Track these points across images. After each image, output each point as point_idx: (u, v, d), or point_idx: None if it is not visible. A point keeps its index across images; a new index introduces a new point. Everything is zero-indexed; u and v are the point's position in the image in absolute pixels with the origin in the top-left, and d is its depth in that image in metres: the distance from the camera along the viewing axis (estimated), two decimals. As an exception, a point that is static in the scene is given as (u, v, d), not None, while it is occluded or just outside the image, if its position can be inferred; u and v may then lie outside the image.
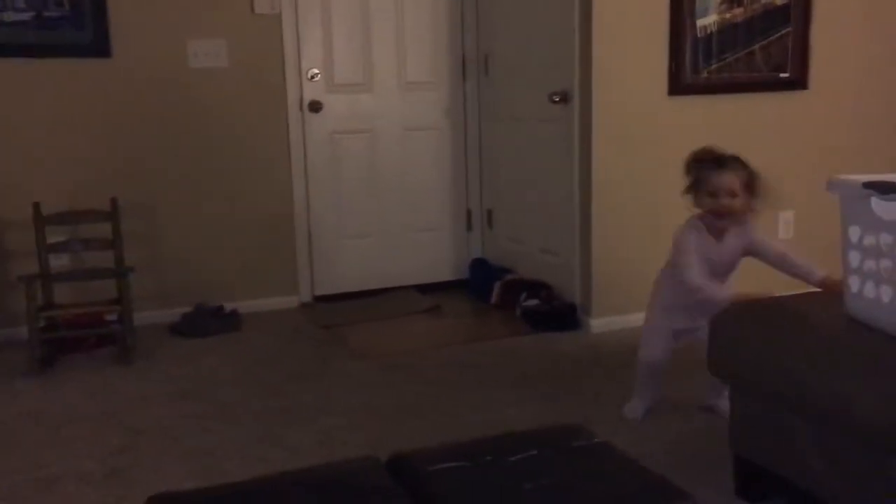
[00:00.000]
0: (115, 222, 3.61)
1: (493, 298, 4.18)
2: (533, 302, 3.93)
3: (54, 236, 3.61)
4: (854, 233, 1.96)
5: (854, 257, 1.97)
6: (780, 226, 4.01)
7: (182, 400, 3.07)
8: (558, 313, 3.83)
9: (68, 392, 3.18)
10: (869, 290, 1.93)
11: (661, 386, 2.86)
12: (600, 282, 3.70)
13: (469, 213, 4.61)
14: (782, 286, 2.50)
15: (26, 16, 3.66)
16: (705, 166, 2.60)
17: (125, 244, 3.64)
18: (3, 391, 3.20)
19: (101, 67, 3.78)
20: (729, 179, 2.58)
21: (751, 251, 2.67)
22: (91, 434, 2.80)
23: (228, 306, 3.95)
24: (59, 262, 3.67)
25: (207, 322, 3.82)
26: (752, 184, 2.61)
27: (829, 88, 3.97)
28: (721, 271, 2.68)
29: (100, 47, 3.76)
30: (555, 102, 3.78)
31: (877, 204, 1.88)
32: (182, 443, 2.72)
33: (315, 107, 4.19)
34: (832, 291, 2.30)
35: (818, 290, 2.49)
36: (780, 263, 2.65)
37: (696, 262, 2.61)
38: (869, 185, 1.88)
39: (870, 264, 1.92)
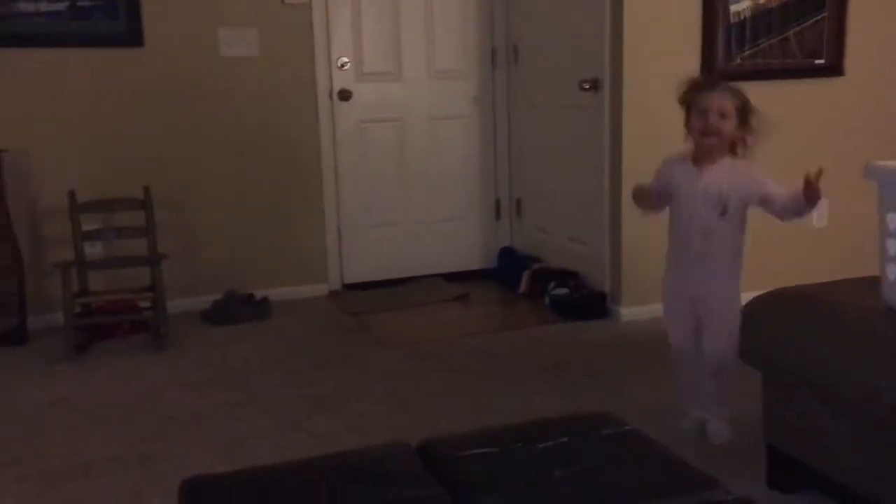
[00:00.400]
0: (148, 211, 3.65)
1: (522, 287, 4.17)
2: (562, 291, 3.92)
3: (89, 224, 3.66)
4: (892, 220, 1.92)
5: (892, 245, 1.93)
6: (814, 213, 3.93)
7: (212, 387, 3.10)
8: (587, 302, 3.81)
9: (102, 378, 3.23)
10: (907, 278, 1.90)
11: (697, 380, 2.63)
12: (630, 270, 3.67)
13: (498, 202, 4.60)
14: (824, 275, 2.46)
15: (61, 6, 3.70)
16: (697, 88, 2.51)
17: (158, 232, 3.68)
18: (39, 376, 3.25)
19: (133, 57, 3.82)
20: (720, 99, 2.47)
21: (747, 192, 2.47)
22: (123, 420, 2.84)
23: (259, 294, 3.98)
24: (93, 249, 3.73)
25: (238, 309, 3.85)
26: (745, 112, 2.48)
27: (865, 75, 3.90)
28: (708, 205, 2.48)
29: (133, 37, 3.80)
30: (585, 90, 3.75)
31: (915, 191, 1.84)
32: (212, 430, 2.75)
33: (344, 95, 4.20)
34: (811, 190, 2.33)
35: (805, 193, 2.39)
36: (772, 207, 2.48)
37: (655, 182, 2.57)
38: (907, 172, 1.85)
39: (907, 252, 1.89)
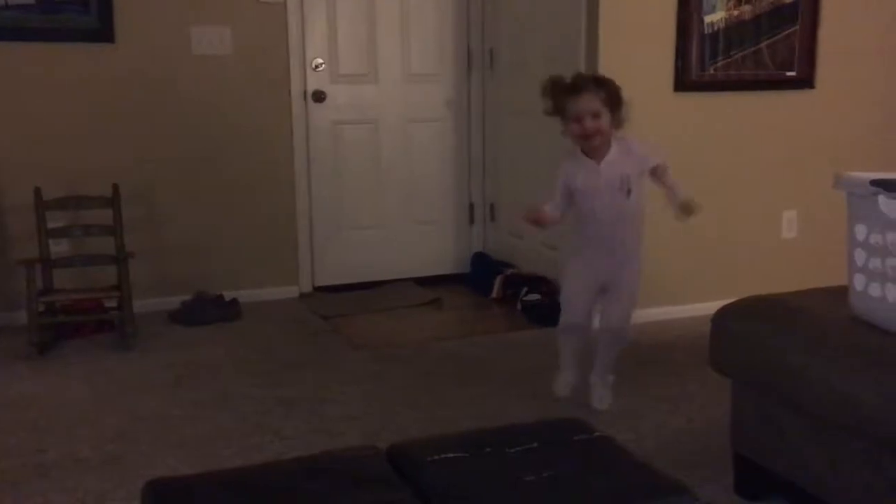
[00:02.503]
0: (115, 208, 3.60)
1: (494, 292, 4.17)
2: (533, 297, 3.92)
3: (55, 221, 3.60)
4: (860, 231, 1.94)
5: (860, 255, 1.96)
6: (783, 223, 4.00)
7: (180, 387, 3.06)
8: (558, 308, 3.80)
9: (66, 378, 3.17)
10: (874, 288, 1.92)
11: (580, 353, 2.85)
12: (602, 277, 3.68)
13: (471, 207, 4.60)
14: (793, 284, 2.48)
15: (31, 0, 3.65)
16: (562, 94, 2.64)
17: (126, 231, 3.63)
18: (2, 376, 3.19)
19: (104, 53, 3.77)
20: (588, 101, 2.60)
21: (641, 168, 2.66)
22: (88, 420, 2.79)
23: (228, 295, 3.94)
24: (59, 247, 3.66)
25: (207, 310, 3.81)
26: (612, 99, 2.62)
27: (835, 88, 3.96)
28: (613, 190, 2.65)
29: (104, 33, 3.75)
30: (560, 96, 3.76)
31: (884, 202, 1.86)
32: (179, 430, 2.71)
33: (318, 96, 4.17)
34: (687, 214, 2.57)
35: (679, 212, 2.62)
36: (657, 177, 2.69)
37: (558, 194, 2.70)
38: (876, 183, 1.87)
39: (875, 263, 1.91)
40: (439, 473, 1.52)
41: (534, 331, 3.71)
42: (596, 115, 2.59)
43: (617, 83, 2.65)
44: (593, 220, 2.70)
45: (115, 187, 3.60)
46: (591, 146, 2.63)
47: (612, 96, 2.61)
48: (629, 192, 2.63)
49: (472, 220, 4.61)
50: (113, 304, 3.57)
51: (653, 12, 3.62)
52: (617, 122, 2.63)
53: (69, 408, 2.89)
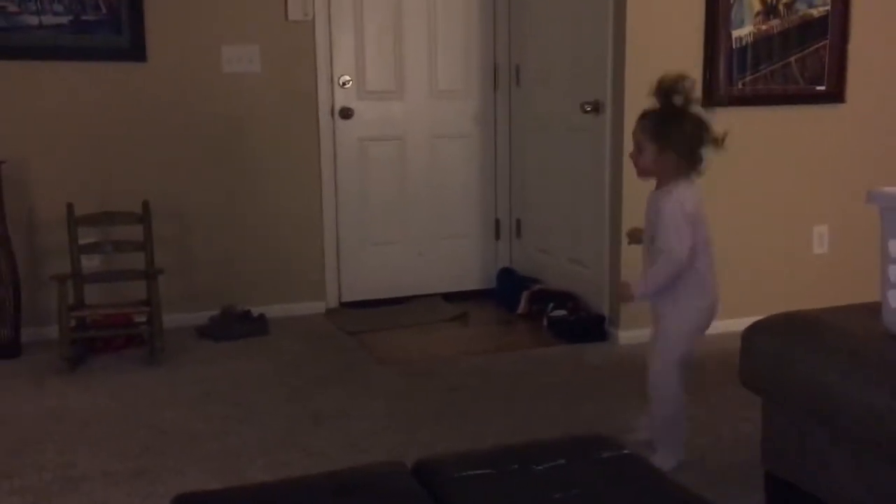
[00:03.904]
0: (146, 225, 3.64)
1: (520, 308, 4.15)
2: (560, 312, 3.90)
3: (86, 237, 3.65)
4: (894, 246, 1.91)
5: (893, 271, 1.92)
6: (814, 239, 3.95)
7: (208, 402, 3.08)
8: (585, 324, 3.79)
9: (96, 392, 3.20)
10: (908, 305, 1.89)
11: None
12: (629, 293, 3.65)
13: (497, 222, 4.59)
14: (825, 300, 2.44)
15: (64, 19, 3.71)
16: None
17: (156, 246, 3.66)
18: (33, 390, 3.23)
19: (136, 71, 3.83)
20: (634, 132, 2.44)
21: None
22: (117, 434, 2.81)
23: (256, 310, 3.96)
24: (90, 262, 3.71)
25: (235, 325, 3.83)
26: (659, 136, 2.35)
27: (866, 102, 3.91)
28: (646, 236, 2.52)
29: (135, 51, 3.81)
30: (586, 112, 3.76)
31: (918, 217, 1.84)
32: (207, 445, 2.72)
33: (346, 113, 4.20)
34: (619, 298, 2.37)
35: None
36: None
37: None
38: (910, 198, 1.84)
39: (910, 279, 1.88)
40: (466, 490, 1.51)
41: (560, 346, 3.69)
42: (639, 149, 2.43)
43: (683, 113, 2.38)
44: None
45: (146, 204, 3.64)
46: (640, 177, 2.48)
47: (660, 132, 2.36)
48: (652, 239, 2.47)
49: (498, 236, 4.60)
50: (142, 318, 3.60)
51: (680, 27, 3.60)
52: (673, 161, 2.36)
53: (98, 422, 2.92)
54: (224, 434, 2.80)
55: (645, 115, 2.45)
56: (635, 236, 2.67)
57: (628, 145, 3.55)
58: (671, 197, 2.39)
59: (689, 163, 2.40)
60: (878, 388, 1.79)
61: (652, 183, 2.51)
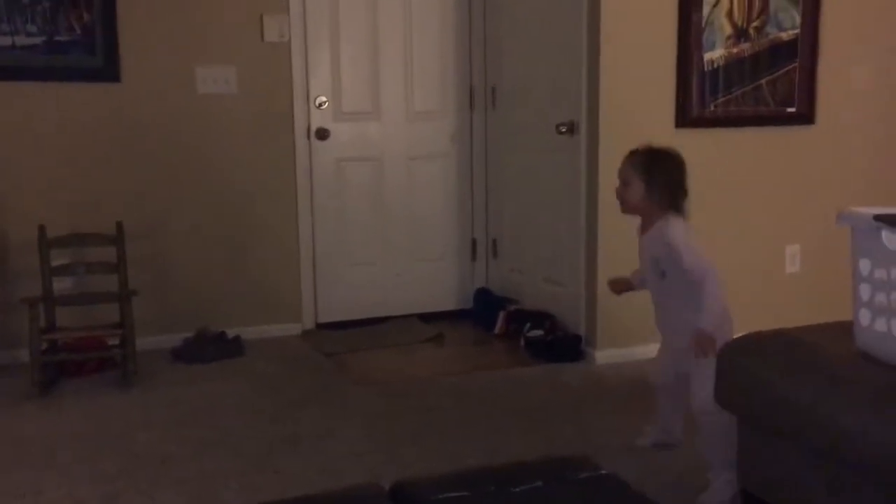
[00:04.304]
0: (119, 246, 3.60)
1: (497, 328, 4.16)
2: (537, 332, 3.90)
3: (58, 259, 3.60)
4: (865, 266, 1.94)
5: (864, 290, 1.95)
6: (787, 258, 4.00)
7: (181, 426, 3.04)
8: (562, 344, 3.80)
9: (67, 416, 3.15)
10: (880, 323, 1.91)
11: (674, 418, 2.72)
12: (605, 313, 3.67)
13: (474, 243, 4.60)
14: (798, 319, 2.47)
15: (37, 40, 3.69)
16: None
17: (129, 268, 3.63)
18: (3, 414, 3.17)
19: (110, 92, 3.80)
20: (622, 167, 2.55)
21: (667, 251, 2.45)
22: (88, 459, 2.76)
23: (231, 332, 3.93)
24: (62, 284, 3.66)
25: (209, 348, 3.79)
26: (648, 172, 2.46)
27: (835, 123, 3.98)
28: (649, 269, 2.57)
29: (109, 72, 3.79)
30: (561, 133, 3.79)
31: (888, 237, 1.86)
32: (180, 469, 2.68)
33: (322, 134, 4.20)
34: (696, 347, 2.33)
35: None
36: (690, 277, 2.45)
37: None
38: (879, 218, 1.87)
39: (881, 298, 1.91)
40: (443, 513, 1.50)
41: (537, 366, 3.69)
42: (625, 184, 2.53)
43: (669, 155, 2.50)
44: (651, 296, 2.63)
45: (119, 225, 3.61)
46: (626, 212, 2.59)
47: (647, 168, 2.48)
48: (663, 275, 2.51)
49: (474, 256, 4.61)
50: (115, 341, 3.56)
51: (653, 50, 3.65)
52: (658, 199, 2.47)
53: (69, 446, 2.87)
54: (198, 457, 2.77)
55: (634, 153, 2.55)
56: (618, 286, 2.75)
57: (604, 165, 3.62)
58: (672, 225, 2.46)
59: (673, 201, 2.49)
60: (850, 407, 1.81)
61: (635, 225, 2.62)
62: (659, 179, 2.47)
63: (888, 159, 4.10)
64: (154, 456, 2.78)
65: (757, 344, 2.17)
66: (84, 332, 3.56)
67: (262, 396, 3.34)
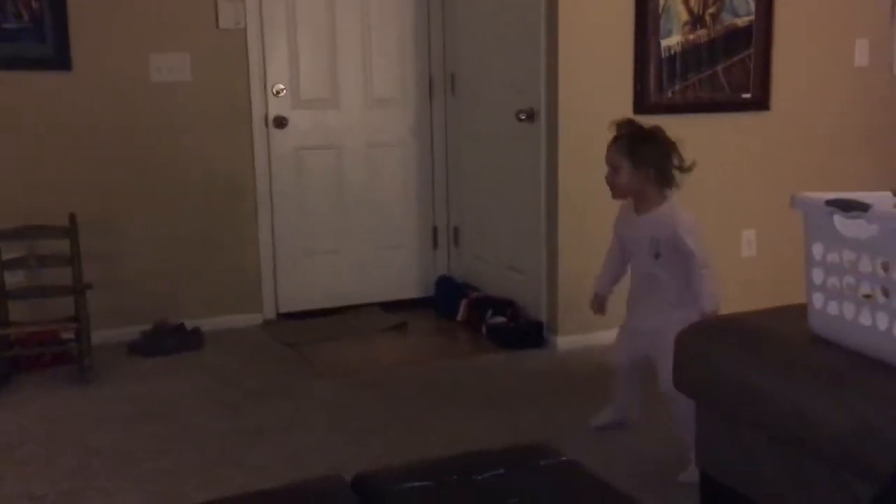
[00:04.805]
0: (73, 238, 3.52)
1: (460, 316, 4.16)
2: (499, 320, 3.92)
3: (10, 252, 3.51)
4: (817, 250, 1.97)
5: (817, 274, 1.98)
6: (743, 243, 4.05)
7: (140, 420, 3.00)
8: (524, 331, 3.82)
9: (22, 412, 3.09)
10: (832, 307, 1.95)
11: (633, 395, 2.79)
12: (566, 300, 3.70)
13: (435, 231, 4.59)
14: (754, 304, 2.51)
15: (-16, 27, 3.59)
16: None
17: (84, 261, 3.55)
18: (-46, 412, 3.10)
19: (61, 80, 3.71)
20: (609, 153, 2.57)
21: (670, 234, 2.51)
22: (45, 455, 2.71)
23: (190, 324, 3.88)
24: (14, 278, 3.57)
25: (167, 340, 3.74)
26: (634, 153, 2.49)
27: (790, 109, 4.04)
28: (634, 250, 2.62)
29: (60, 60, 3.69)
30: (521, 120, 3.79)
31: (839, 221, 1.90)
32: (139, 465, 2.65)
33: (280, 122, 4.15)
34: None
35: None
36: (690, 263, 2.53)
37: (606, 262, 2.72)
38: (832, 203, 1.90)
39: (833, 281, 1.94)
40: (405, 503, 1.50)
41: (500, 354, 3.70)
42: (614, 169, 2.55)
43: (653, 134, 2.53)
44: (632, 270, 2.67)
45: (73, 217, 3.53)
46: (618, 198, 2.61)
47: (632, 149, 2.50)
48: (657, 255, 2.54)
49: (436, 244, 4.60)
50: (70, 335, 3.49)
51: (611, 37, 3.67)
52: (651, 178, 2.50)
53: (25, 443, 2.81)
54: (158, 453, 2.73)
55: (617, 138, 2.56)
56: (599, 306, 2.75)
57: (563, 152, 3.64)
58: (681, 211, 2.54)
59: (664, 178, 2.52)
60: (804, 388, 1.84)
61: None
62: (647, 159, 2.51)
63: (842, 145, 4.17)
64: (112, 452, 2.74)
65: (713, 328, 2.20)
66: (38, 327, 3.49)
67: (223, 389, 3.31)
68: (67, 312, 3.48)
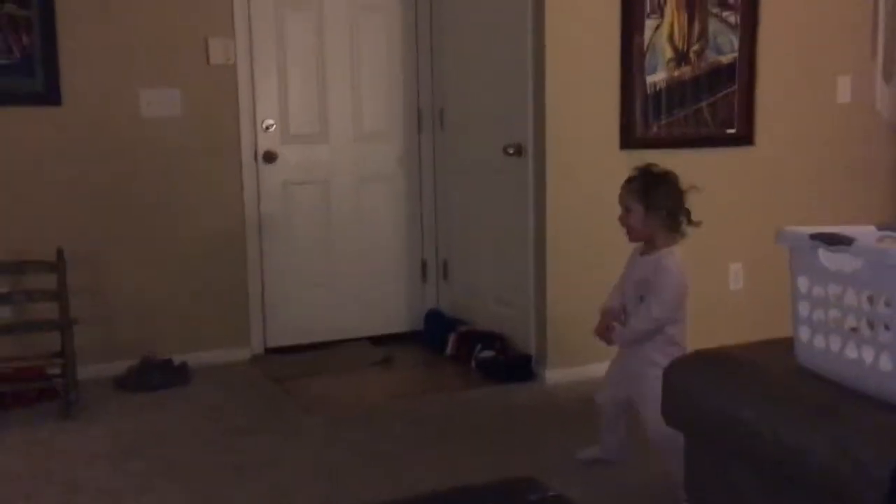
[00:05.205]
0: (60, 273, 3.51)
1: (448, 350, 4.15)
2: (488, 353, 3.91)
3: (-4, 287, 3.50)
4: (803, 283, 1.98)
5: (803, 307, 1.99)
6: (730, 276, 4.07)
7: (125, 457, 2.96)
8: (513, 365, 3.81)
9: (6, 448, 3.05)
10: (819, 340, 1.95)
11: (618, 437, 2.77)
12: (555, 333, 3.70)
13: (424, 264, 4.60)
14: (741, 337, 2.51)
15: (-26, 62, 3.60)
16: None
17: (71, 296, 3.53)
18: (-64, 449, 3.05)
19: (50, 115, 3.72)
20: (622, 193, 2.59)
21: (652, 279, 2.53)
22: (28, 493, 2.67)
23: (177, 359, 3.85)
24: (1, 313, 3.55)
25: (154, 376, 3.71)
26: (647, 196, 2.52)
27: (774, 144, 4.09)
28: (629, 293, 2.63)
29: (50, 95, 3.71)
30: (509, 155, 3.82)
31: (824, 255, 1.91)
32: (124, 502, 2.61)
33: (269, 157, 4.17)
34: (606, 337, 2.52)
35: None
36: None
37: (616, 286, 2.69)
38: (816, 237, 1.92)
39: (819, 314, 1.95)
40: (392, 540, 1.48)
41: (488, 388, 3.69)
42: (627, 209, 2.57)
43: (666, 177, 2.55)
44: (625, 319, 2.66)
45: (60, 252, 3.52)
46: (632, 240, 2.62)
47: (646, 191, 2.52)
48: (642, 298, 2.56)
49: (425, 278, 4.60)
50: (56, 371, 3.46)
51: (598, 73, 3.71)
52: (662, 221, 2.53)
53: (8, 480, 2.77)
54: (143, 490, 2.70)
55: (631, 179, 2.59)
56: (608, 320, 2.69)
57: (551, 186, 3.67)
58: (674, 260, 2.54)
59: (674, 223, 2.55)
60: (791, 422, 1.84)
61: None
62: (659, 202, 2.53)
63: (826, 179, 4.22)
64: (97, 490, 2.70)
65: (700, 362, 2.20)
66: (23, 362, 3.46)
67: (209, 425, 3.28)
68: (53, 348, 3.45)
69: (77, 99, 3.75)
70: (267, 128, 4.16)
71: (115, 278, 3.88)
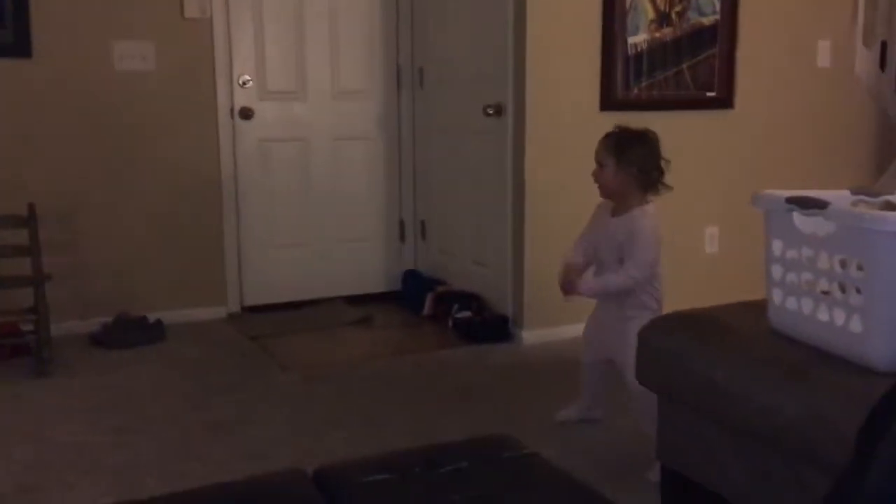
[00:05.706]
0: (32, 228, 3.46)
1: (426, 310, 4.16)
2: (465, 314, 3.92)
3: (-33, 242, 3.45)
4: (777, 246, 2.00)
5: (777, 270, 2.01)
6: (706, 239, 4.10)
7: (100, 413, 2.96)
8: (489, 325, 3.83)
9: (-22, 405, 3.03)
10: (791, 302, 1.98)
11: (596, 395, 2.81)
12: (532, 294, 3.71)
13: (402, 224, 4.59)
14: (717, 299, 2.54)
15: (-60, 11, 3.50)
16: None
17: (44, 252, 3.49)
18: None
19: (20, 68, 3.64)
20: (598, 148, 2.57)
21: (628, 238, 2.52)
22: (3, 449, 2.66)
23: (152, 316, 3.83)
24: (-29, 269, 3.50)
25: (130, 333, 3.69)
26: (620, 151, 2.50)
27: (753, 108, 4.09)
28: (601, 252, 2.62)
29: (20, 47, 3.62)
30: (489, 115, 3.80)
31: (798, 218, 1.92)
32: (99, 458, 2.61)
33: (246, 114, 4.11)
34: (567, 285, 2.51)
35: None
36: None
37: (578, 242, 2.67)
38: (791, 200, 1.93)
39: (792, 277, 1.97)
40: (367, 497, 1.49)
41: (465, 348, 3.71)
42: (599, 164, 2.55)
43: (642, 136, 2.53)
44: (596, 277, 2.64)
45: (32, 206, 3.46)
46: (604, 196, 2.60)
47: (619, 148, 2.51)
48: (621, 261, 2.54)
49: (402, 238, 4.59)
50: (29, 327, 3.43)
51: (578, 33, 3.68)
52: (634, 178, 2.51)
53: (-19, 437, 2.76)
54: (118, 446, 2.70)
55: (608, 135, 2.57)
56: (571, 275, 2.65)
57: (530, 147, 3.65)
58: (648, 220, 2.53)
59: (647, 182, 2.53)
60: (762, 382, 1.87)
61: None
62: (632, 159, 2.51)
63: (803, 144, 4.24)
64: (71, 445, 2.70)
65: (675, 323, 2.22)
66: (-4, 318, 3.42)
67: (185, 382, 3.28)
68: (27, 304, 3.42)
69: (48, 51, 3.67)
70: (243, 84, 4.10)
71: (89, 234, 3.84)
